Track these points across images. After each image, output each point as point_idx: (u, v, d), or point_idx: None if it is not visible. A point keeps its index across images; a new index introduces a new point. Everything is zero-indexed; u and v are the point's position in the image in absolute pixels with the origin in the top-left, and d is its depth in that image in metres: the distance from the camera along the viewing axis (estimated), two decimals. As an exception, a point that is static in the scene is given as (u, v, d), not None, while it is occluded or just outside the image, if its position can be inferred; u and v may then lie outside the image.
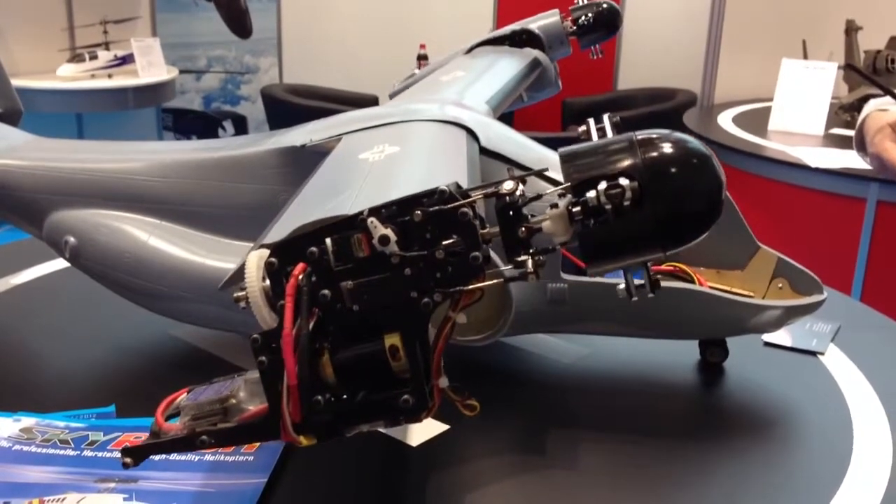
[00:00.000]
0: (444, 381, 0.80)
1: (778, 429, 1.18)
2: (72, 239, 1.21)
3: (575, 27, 1.87)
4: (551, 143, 1.35)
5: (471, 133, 1.22)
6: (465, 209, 0.75)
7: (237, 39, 5.74)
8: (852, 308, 1.60)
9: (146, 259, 1.18)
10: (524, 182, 0.78)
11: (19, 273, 1.58)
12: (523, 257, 0.77)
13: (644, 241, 0.79)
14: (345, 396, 0.77)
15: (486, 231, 0.77)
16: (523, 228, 0.77)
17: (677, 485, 1.05)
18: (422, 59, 4.54)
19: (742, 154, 3.37)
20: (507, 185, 0.77)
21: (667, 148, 0.81)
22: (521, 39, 1.86)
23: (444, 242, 0.75)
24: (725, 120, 3.92)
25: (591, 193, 0.76)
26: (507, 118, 1.63)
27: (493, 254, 0.82)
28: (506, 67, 1.70)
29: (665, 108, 4.56)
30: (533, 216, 0.79)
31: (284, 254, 0.77)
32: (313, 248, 0.76)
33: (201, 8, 5.69)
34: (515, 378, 1.29)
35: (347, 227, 0.76)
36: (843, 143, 3.31)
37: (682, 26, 4.86)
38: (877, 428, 1.16)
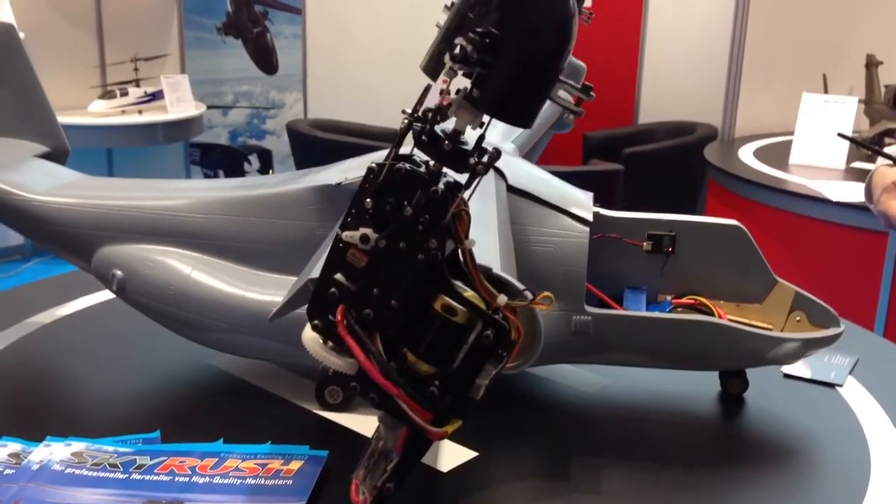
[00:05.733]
0: (502, 299, 0.84)
1: (797, 459, 1.21)
2: (119, 272, 1.27)
3: None
4: (573, 177, 1.40)
5: (498, 172, 1.28)
6: (396, 166, 0.81)
7: (263, 75, 5.85)
8: (870, 341, 1.63)
9: (189, 292, 1.24)
10: (429, 114, 0.82)
11: (66, 304, 1.64)
12: (471, 161, 0.81)
13: (535, 71, 0.81)
14: (448, 372, 0.83)
15: (428, 169, 0.82)
16: (445, 141, 0.81)
17: (699, 511, 1.08)
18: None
19: (763, 188, 3.40)
20: (405, 121, 0.82)
21: None
22: None
23: (406, 202, 0.81)
24: (746, 154, 3.95)
25: (446, 68, 0.79)
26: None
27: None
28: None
29: (686, 141, 4.61)
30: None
31: (319, 312, 0.84)
32: (332, 289, 0.83)
33: (229, 45, 5.82)
34: (541, 407, 1.33)
35: (341, 255, 0.83)
36: (864, 176, 3.32)
37: (702, 60, 4.91)
38: (894, 458, 1.19)
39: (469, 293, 0.83)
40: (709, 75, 4.84)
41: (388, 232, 0.82)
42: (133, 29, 5.58)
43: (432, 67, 0.82)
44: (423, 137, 0.81)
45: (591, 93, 0.84)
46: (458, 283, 0.84)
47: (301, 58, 5.72)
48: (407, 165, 0.82)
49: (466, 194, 0.84)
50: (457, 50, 0.77)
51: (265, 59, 5.82)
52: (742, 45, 4.62)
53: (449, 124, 0.82)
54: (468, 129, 0.83)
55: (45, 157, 1.51)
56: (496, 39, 0.78)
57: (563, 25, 0.80)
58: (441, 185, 0.82)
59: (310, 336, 0.85)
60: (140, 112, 5.14)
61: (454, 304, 0.83)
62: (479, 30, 0.78)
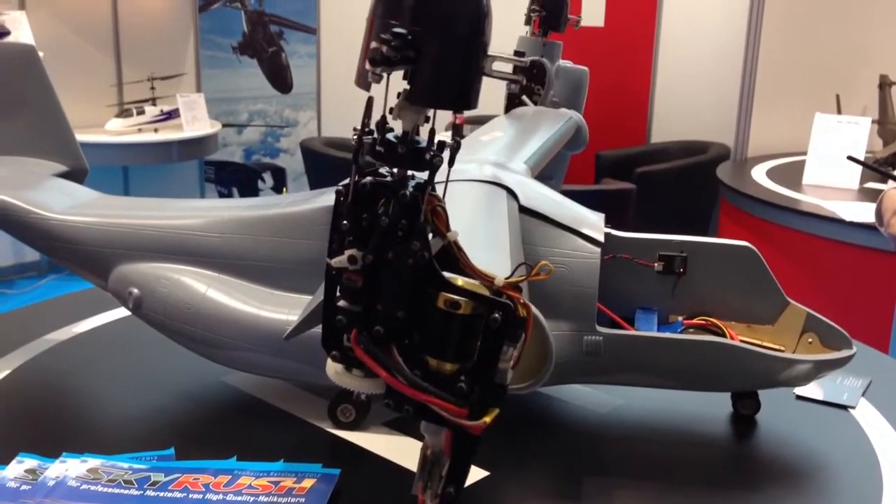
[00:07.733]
0: (499, 280, 0.84)
1: (809, 480, 1.21)
2: (135, 290, 1.29)
3: (542, 27, 1.99)
4: (585, 196, 1.41)
5: (510, 192, 1.29)
6: (361, 182, 0.82)
7: (278, 94, 5.90)
8: (883, 363, 1.63)
9: (204, 310, 1.25)
10: (376, 128, 0.83)
11: (81, 322, 1.66)
12: (427, 158, 0.81)
13: (457, 53, 0.81)
14: (471, 365, 0.84)
15: (394, 177, 0.83)
16: (399, 147, 0.82)
17: (710, 532, 1.08)
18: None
19: (776, 208, 3.40)
20: (355, 138, 0.83)
21: None
22: (533, 74, 1.93)
23: (381, 213, 0.82)
24: (759, 174, 3.95)
25: (369, 74, 0.79)
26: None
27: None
28: (543, 128, 1.77)
29: (699, 160, 4.61)
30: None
31: (333, 342, 0.85)
32: (339, 316, 0.84)
33: (244, 64, 5.87)
34: (552, 426, 1.33)
35: (335, 281, 0.84)
36: (877, 197, 3.32)
37: (715, 80, 4.92)
38: (907, 480, 1.19)
39: (462, 280, 0.84)
40: (721, 95, 4.85)
41: (372, 247, 0.83)
42: (150, 48, 5.64)
43: (364, 80, 0.83)
44: (378, 148, 0.82)
45: (525, 58, 0.84)
46: (453, 276, 0.85)
47: (315, 77, 5.77)
48: (370, 179, 0.83)
49: (439, 190, 0.85)
50: (377, 55, 0.78)
51: (280, 78, 5.88)
52: (755, 64, 4.64)
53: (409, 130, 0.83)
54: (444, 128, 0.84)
55: (65, 176, 1.53)
56: (413, 34, 0.79)
57: (476, 5, 0.80)
58: (410, 188, 0.83)
59: (332, 367, 0.86)
60: (156, 130, 5.20)
61: (455, 297, 0.83)
62: (393, 30, 0.78)
